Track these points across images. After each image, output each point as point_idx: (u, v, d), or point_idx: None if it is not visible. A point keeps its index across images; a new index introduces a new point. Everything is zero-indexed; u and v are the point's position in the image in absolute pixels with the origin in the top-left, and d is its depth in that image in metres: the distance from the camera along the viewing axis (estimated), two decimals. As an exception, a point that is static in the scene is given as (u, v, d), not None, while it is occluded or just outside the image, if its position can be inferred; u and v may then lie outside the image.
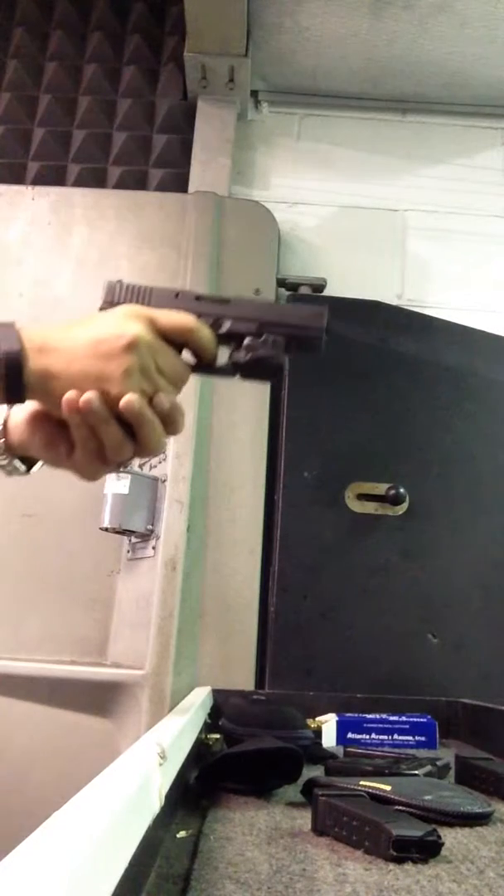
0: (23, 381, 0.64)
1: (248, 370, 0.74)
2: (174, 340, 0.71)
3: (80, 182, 2.05)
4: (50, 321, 0.69)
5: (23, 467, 0.75)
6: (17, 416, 0.72)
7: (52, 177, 2.06)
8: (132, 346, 0.66)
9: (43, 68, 2.18)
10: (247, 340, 0.74)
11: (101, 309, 0.73)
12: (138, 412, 0.66)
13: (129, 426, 0.67)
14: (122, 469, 0.72)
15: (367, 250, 2.12)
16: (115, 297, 0.75)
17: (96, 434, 0.67)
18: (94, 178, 2.06)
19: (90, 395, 0.65)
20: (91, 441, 0.67)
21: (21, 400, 0.66)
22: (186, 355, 0.73)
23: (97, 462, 0.69)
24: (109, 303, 0.74)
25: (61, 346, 0.66)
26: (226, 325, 0.74)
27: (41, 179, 2.05)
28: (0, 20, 2.23)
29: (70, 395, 0.65)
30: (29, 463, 0.76)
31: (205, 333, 0.73)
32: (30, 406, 0.71)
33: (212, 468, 1.74)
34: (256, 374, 0.75)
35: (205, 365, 0.74)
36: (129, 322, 0.68)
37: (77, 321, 0.69)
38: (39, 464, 0.76)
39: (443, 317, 1.94)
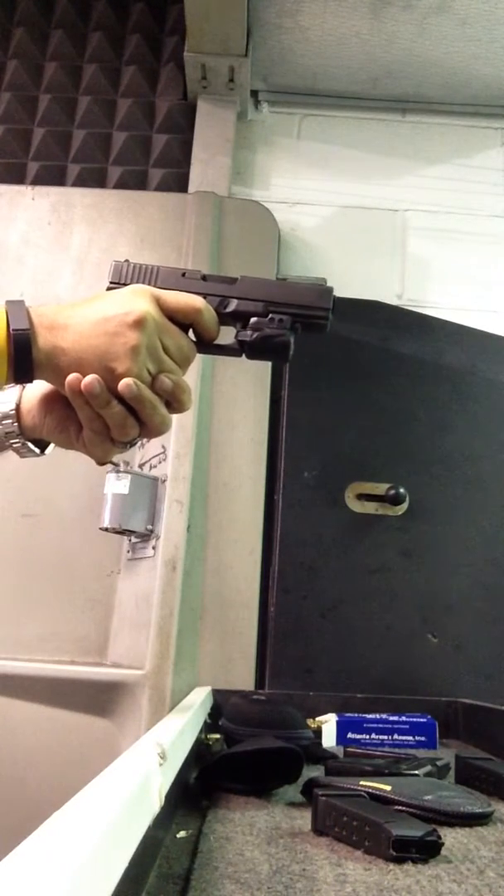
0: (32, 359, 0.65)
1: (255, 349, 0.75)
2: (180, 320, 0.71)
3: (80, 182, 2.05)
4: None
5: (36, 449, 0.76)
6: (29, 399, 0.74)
7: (52, 177, 2.06)
8: (139, 324, 0.66)
9: (43, 68, 2.18)
10: (253, 320, 0.75)
11: (109, 289, 0.74)
12: (137, 394, 0.67)
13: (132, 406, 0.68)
14: (131, 447, 0.73)
15: (367, 250, 2.12)
16: (122, 276, 0.75)
17: (100, 415, 0.67)
18: (94, 178, 2.06)
19: (91, 378, 0.65)
20: (96, 422, 0.68)
21: (30, 378, 0.66)
22: (192, 336, 0.73)
23: (105, 442, 0.70)
24: (116, 283, 0.75)
25: (70, 323, 0.66)
26: (232, 305, 0.75)
27: (41, 179, 2.05)
28: (0, 20, 2.23)
29: (71, 378, 0.66)
30: (42, 445, 0.77)
31: (210, 314, 0.73)
32: (41, 389, 0.72)
33: (212, 468, 1.74)
34: (262, 353, 0.76)
35: (211, 344, 0.74)
36: (136, 300, 0.68)
37: (85, 299, 0.69)
38: (52, 446, 0.77)
39: (443, 317, 1.94)
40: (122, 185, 2.04)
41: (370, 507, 1.74)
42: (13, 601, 1.68)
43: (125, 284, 0.74)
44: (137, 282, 0.74)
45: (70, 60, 2.18)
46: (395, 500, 1.71)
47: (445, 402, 1.84)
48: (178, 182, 2.03)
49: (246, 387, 1.81)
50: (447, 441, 1.82)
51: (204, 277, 0.76)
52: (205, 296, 0.74)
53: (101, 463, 0.73)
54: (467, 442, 1.83)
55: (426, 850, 0.64)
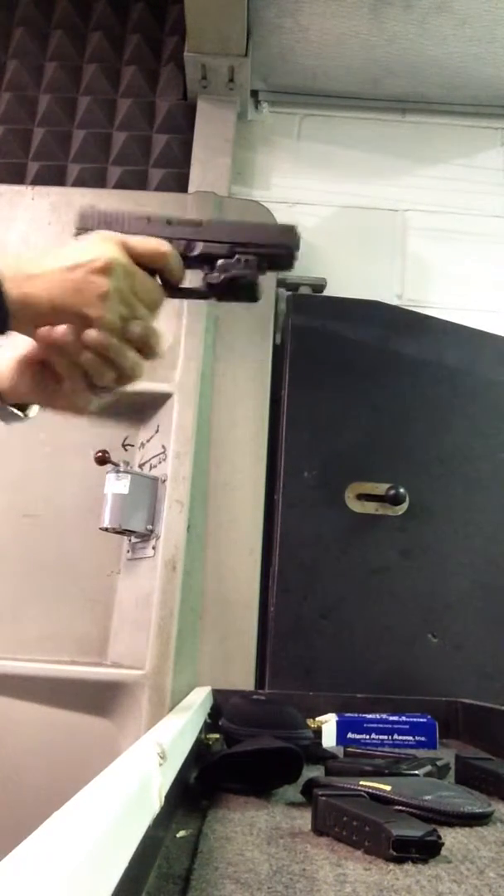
0: (5, 309, 0.65)
1: (223, 290, 0.75)
2: (147, 265, 0.72)
3: (80, 182, 2.05)
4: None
5: (20, 413, 0.77)
6: (4, 363, 0.75)
7: (52, 177, 2.06)
8: (107, 270, 0.67)
9: (43, 68, 2.18)
10: (219, 262, 0.75)
11: (76, 235, 0.74)
12: (105, 342, 0.67)
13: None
14: (111, 395, 0.73)
15: (367, 250, 2.12)
16: (87, 222, 0.76)
17: (76, 363, 0.68)
18: (94, 178, 2.06)
19: (61, 330, 0.66)
20: (73, 369, 0.69)
21: (3, 328, 0.67)
22: (158, 281, 0.74)
23: (86, 391, 0.71)
24: (83, 229, 0.75)
25: (39, 272, 0.67)
26: (198, 248, 0.76)
27: (41, 179, 2.05)
28: (0, 20, 2.23)
29: (43, 331, 0.67)
30: (23, 409, 0.78)
31: (176, 258, 0.74)
32: (14, 352, 0.73)
33: (212, 468, 1.74)
34: (231, 294, 0.76)
35: (179, 288, 0.75)
36: (102, 246, 0.69)
37: (52, 250, 0.70)
38: (35, 408, 0.77)
39: (443, 317, 1.94)
40: (122, 185, 2.04)
41: (370, 507, 1.74)
42: (13, 601, 1.68)
43: (91, 230, 0.74)
44: (104, 228, 0.75)
45: (70, 60, 2.18)
46: (395, 500, 1.71)
47: (445, 402, 1.84)
48: (178, 182, 2.03)
49: (246, 386, 1.81)
50: (447, 441, 1.82)
51: (169, 222, 0.76)
52: (170, 240, 0.74)
53: (84, 415, 0.74)
54: (467, 442, 1.83)
55: (426, 850, 0.64)
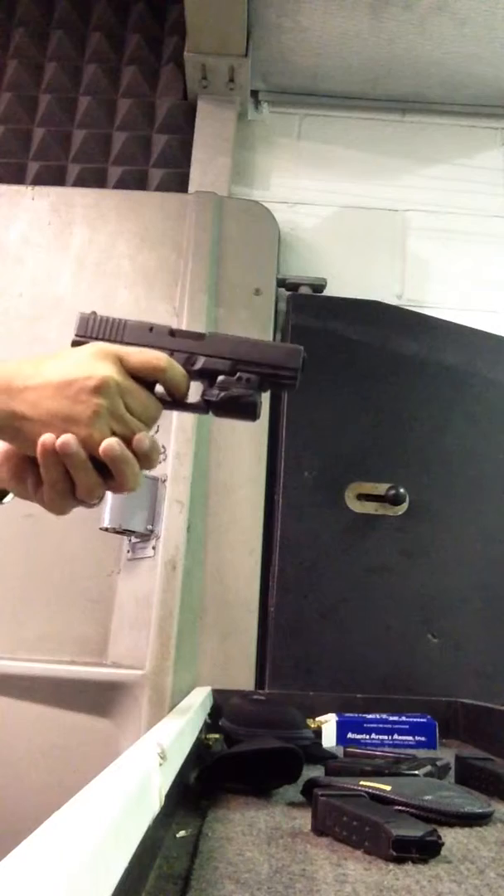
0: None
1: (221, 408, 0.74)
2: (145, 379, 0.70)
3: (80, 182, 2.05)
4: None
5: None
6: None
7: (52, 177, 2.06)
8: (100, 389, 0.65)
9: (43, 68, 2.18)
10: (220, 378, 0.74)
11: (74, 343, 0.73)
12: (119, 456, 0.65)
13: (102, 467, 0.66)
14: (92, 506, 0.72)
15: (367, 250, 2.12)
16: (87, 329, 0.74)
17: (67, 475, 0.66)
18: (94, 178, 2.06)
19: (68, 438, 0.64)
20: (62, 482, 0.67)
21: None
22: (159, 390, 0.72)
23: (67, 499, 0.69)
24: (83, 336, 0.74)
25: (28, 385, 0.65)
26: (199, 363, 0.74)
27: (41, 179, 2.05)
28: (0, 20, 2.23)
29: (46, 438, 0.65)
30: (1, 494, 0.76)
31: (177, 372, 0.72)
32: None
33: (212, 468, 1.74)
34: (230, 412, 0.75)
35: (177, 401, 0.73)
36: (98, 363, 0.67)
37: (46, 357, 0.68)
38: (10, 495, 0.75)
39: (443, 317, 1.94)
40: (122, 185, 2.04)
41: (370, 507, 1.74)
42: (13, 601, 1.68)
43: (91, 338, 0.73)
44: (103, 336, 0.73)
45: (70, 60, 2.18)
46: (395, 500, 1.71)
47: (445, 402, 1.84)
48: (178, 182, 2.03)
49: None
50: (447, 441, 1.82)
51: (172, 332, 0.75)
52: (171, 352, 0.72)
53: (59, 514, 0.71)
54: (467, 442, 1.83)
55: (426, 850, 0.64)
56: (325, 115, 2.22)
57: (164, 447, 1.67)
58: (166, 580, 1.56)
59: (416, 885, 0.58)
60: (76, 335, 0.74)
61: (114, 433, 0.66)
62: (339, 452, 1.76)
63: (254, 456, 1.77)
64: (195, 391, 0.75)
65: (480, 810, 0.79)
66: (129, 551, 1.72)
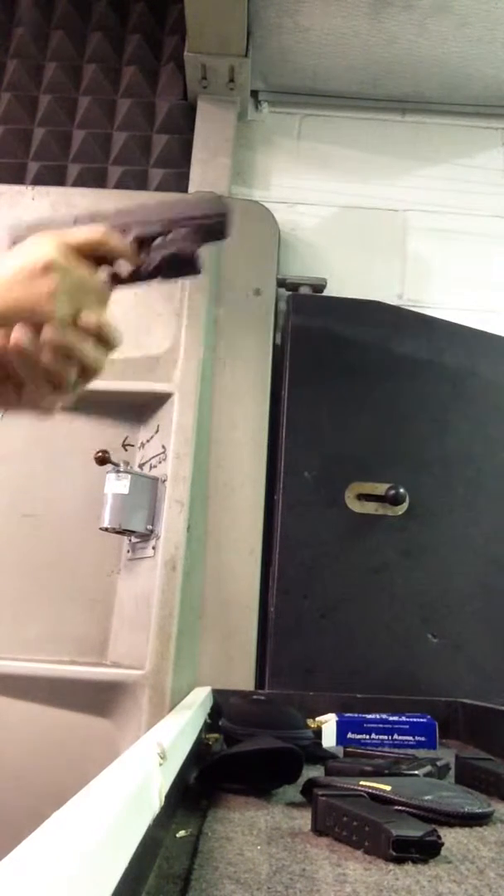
0: None
1: (166, 269, 0.75)
2: (93, 255, 0.71)
3: (80, 182, 2.05)
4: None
5: None
6: None
7: (52, 177, 2.06)
8: (49, 268, 0.66)
9: (43, 68, 2.18)
10: (156, 241, 0.75)
11: (10, 247, 0.74)
12: (63, 337, 0.66)
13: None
14: (74, 394, 0.72)
15: (367, 250, 2.12)
16: (19, 234, 0.75)
17: (37, 365, 0.67)
18: (94, 178, 2.06)
19: (17, 332, 0.65)
20: (34, 372, 0.68)
21: None
22: (104, 273, 0.73)
23: (49, 392, 0.69)
24: (14, 242, 0.75)
25: None
26: (132, 231, 0.75)
27: (41, 179, 2.05)
28: (0, 20, 2.23)
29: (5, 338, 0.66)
30: None
31: (119, 240, 0.73)
32: None
33: (212, 468, 1.74)
34: (174, 270, 0.76)
35: (124, 277, 0.74)
36: (41, 247, 0.68)
37: None
38: (0, 413, 0.76)
39: (443, 317, 1.94)
40: (122, 185, 2.04)
41: (370, 507, 1.74)
42: (13, 601, 1.68)
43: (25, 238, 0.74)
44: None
45: (70, 60, 2.18)
46: (395, 500, 1.71)
47: (445, 402, 1.84)
48: (178, 182, 2.03)
49: (246, 386, 1.81)
50: (447, 441, 1.82)
51: (94, 218, 0.76)
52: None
53: (48, 415, 0.72)
54: (467, 442, 1.83)
55: (426, 850, 0.64)
56: (325, 115, 2.22)
57: (163, 447, 1.67)
58: (166, 580, 1.56)
59: (416, 885, 0.58)
60: (10, 243, 0.75)
61: (71, 313, 0.67)
62: (339, 452, 1.76)
63: (254, 456, 1.77)
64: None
65: (480, 810, 0.79)
66: (129, 551, 1.72)
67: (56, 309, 0.66)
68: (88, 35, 2.21)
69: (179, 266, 0.76)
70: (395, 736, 1.36)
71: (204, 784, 0.91)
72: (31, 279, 0.66)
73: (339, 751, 1.20)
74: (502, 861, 0.66)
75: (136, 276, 0.75)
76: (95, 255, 0.72)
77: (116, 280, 0.74)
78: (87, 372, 0.69)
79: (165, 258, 0.75)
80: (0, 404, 0.74)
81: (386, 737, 1.35)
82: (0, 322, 0.66)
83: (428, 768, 0.99)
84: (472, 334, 1.92)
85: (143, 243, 0.75)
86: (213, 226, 0.76)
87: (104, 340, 0.70)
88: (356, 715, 1.38)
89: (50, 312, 0.66)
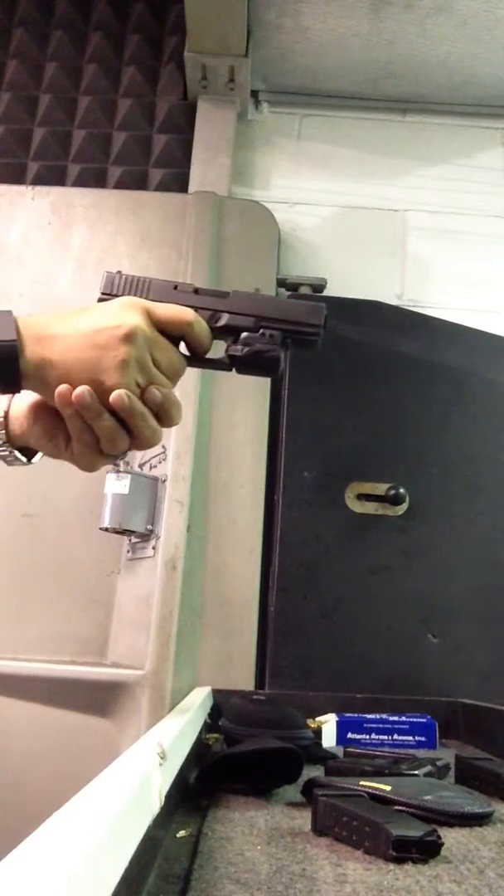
0: (19, 371, 0.64)
1: (245, 364, 0.75)
2: (171, 333, 0.71)
3: (80, 182, 2.05)
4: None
5: (23, 458, 0.76)
6: (18, 407, 0.73)
7: (52, 177, 2.06)
8: (129, 338, 0.66)
9: (43, 68, 2.18)
10: (244, 335, 0.75)
11: (100, 300, 0.74)
12: (129, 406, 0.66)
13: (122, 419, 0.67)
14: (120, 460, 0.73)
15: (367, 250, 2.12)
16: (113, 287, 0.75)
17: (90, 427, 0.67)
18: (94, 178, 2.06)
19: (82, 389, 0.65)
20: (86, 433, 0.68)
21: (17, 389, 0.66)
22: (183, 348, 0.73)
23: (94, 453, 0.70)
24: (108, 294, 0.75)
25: (58, 334, 0.66)
26: (223, 319, 0.75)
27: (41, 179, 2.05)
28: (0, 20, 2.23)
29: (62, 388, 0.66)
30: (29, 454, 0.76)
31: (202, 327, 0.73)
32: (30, 397, 0.72)
33: (212, 468, 1.74)
34: (253, 367, 0.76)
35: (201, 358, 0.74)
36: (126, 313, 0.68)
37: (76, 311, 0.69)
38: (39, 454, 0.76)
39: (443, 317, 1.94)
40: (122, 185, 2.04)
41: (370, 507, 1.74)
42: (13, 601, 1.68)
43: (116, 296, 0.74)
44: (129, 293, 0.74)
45: (70, 60, 2.18)
46: (395, 500, 1.71)
47: (445, 402, 1.84)
48: (178, 182, 2.03)
49: (246, 387, 1.81)
50: (447, 441, 1.82)
51: (196, 291, 0.76)
52: (196, 309, 0.73)
53: (89, 471, 0.72)
54: (467, 442, 1.83)
55: (426, 850, 0.64)
56: (325, 115, 2.22)
57: (163, 447, 1.67)
58: (166, 580, 1.56)
59: (416, 885, 0.58)
60: (102, 293, 0.75)
61: (137, 385, 0.67)
62: (339, 452, 1.76)
63: (254, 456, 1.77)
64: (219, 350, 0.76)
65: (480, 810, 0.79)
66: (128, 551, 1.72)
67: (122, 379, 0.66)
68: (88, 35, 2.21)
69: (258, 365, 0.75)
70: (395, 736, 1.36)
71: (204, 784, 0.91)
72: (107, 343, 0.66)
73: (339, 751, 1.20)
74: (502, 861, 0.66)
75: (214, 363, 0.75)
76: (179, 333, 0.72)
77: (193, 360, 0.74)
78: (140, 443, 0.69)
79: (247, 354, 0.74)
80: (46, 452, 0.74)
81: (386, 737, 1.35)
82: (64, 377, 0.65)
83: (428, 768, 0.99)
84: (472, 334, 1.92)
85: (231, 332, 0.75)
86: (304, 335, 0.75)
87: (165, 416, 0.70)
88: (356, 715, 1.38)
89: (115, 381, 0.65)
